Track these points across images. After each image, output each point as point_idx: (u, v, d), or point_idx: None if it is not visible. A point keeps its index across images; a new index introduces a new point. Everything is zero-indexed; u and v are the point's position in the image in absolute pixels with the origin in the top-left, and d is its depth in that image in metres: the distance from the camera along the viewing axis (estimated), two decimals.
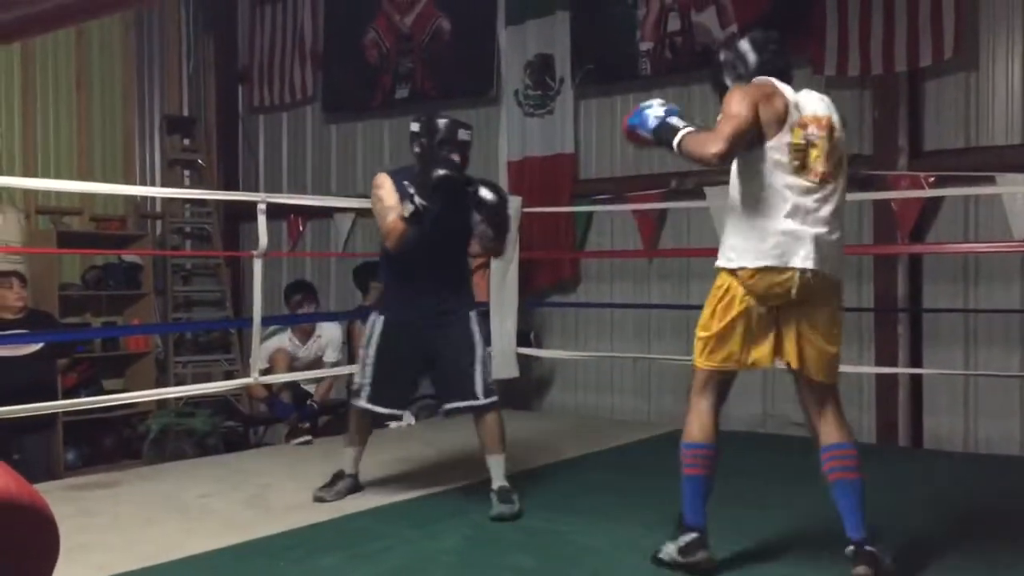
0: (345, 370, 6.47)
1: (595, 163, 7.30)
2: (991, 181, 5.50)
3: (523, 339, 6.91)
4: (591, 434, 5.97)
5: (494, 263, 6.74)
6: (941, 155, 5.84)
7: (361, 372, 4.20)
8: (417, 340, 4.11)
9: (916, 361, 5.93)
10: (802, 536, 3.67)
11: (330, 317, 7.18)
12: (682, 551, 3.18)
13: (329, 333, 6.48)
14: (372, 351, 4.15)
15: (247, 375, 5.70)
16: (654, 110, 3.19)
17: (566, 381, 7.44)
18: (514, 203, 6.83)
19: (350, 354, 6.71)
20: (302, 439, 5.79)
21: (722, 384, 3.26)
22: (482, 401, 4.11)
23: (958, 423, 5.82)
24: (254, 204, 5.32)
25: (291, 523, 3.84)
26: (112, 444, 7.42)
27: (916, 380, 5.92)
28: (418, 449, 5.55)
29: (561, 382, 7.46)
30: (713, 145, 2.94)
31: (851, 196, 5.74)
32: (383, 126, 8.49)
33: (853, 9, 5.88)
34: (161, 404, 6.87)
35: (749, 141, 3.01)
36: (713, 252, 5.89)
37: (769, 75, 3.16)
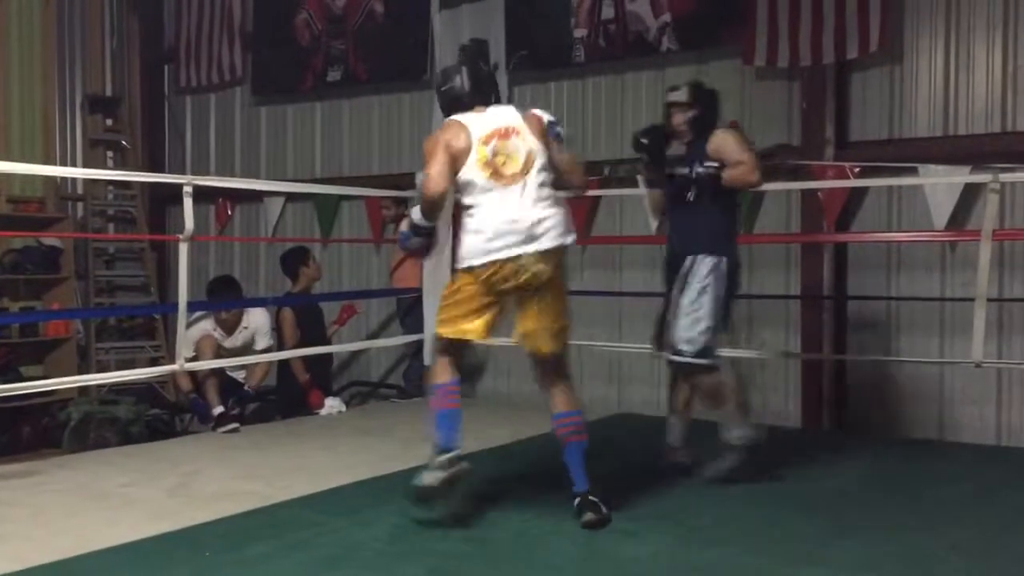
0: (277, 356, 6.38)
1: None
2: (913, 172, 5.64)
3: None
4: (525, 420, 5.95)
5: None
6: (866, 146, 5.96)
7: (708, 327, 4.13)
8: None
9: (840, 347, 6.06)
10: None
11: (258, 302, 7.05)
12: (445, 465, 3.57)
13: (256, 321, 6.36)
14: (715, 298, 4.14)
15: (172, 362, 5.58)
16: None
17: (499, 368, 7.43)
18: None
19: (279, 341, 6.60)
20: (229, 427, 5.68)
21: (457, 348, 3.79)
22: None
23: (878, 407, 5.97)
24: (180, 187, 5.20)
25: (217, 512, 3.77)
26: (31, 433, 7.19)
27: (840, 366, 6.05)
28: (347, 436, 5.50)
29: (494, 368, 7.45)
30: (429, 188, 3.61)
31: (780, 186, 5.93)
32: (315, 109, 8.36)
33: (783, 1, 5.97)
34: (82, 391, 6.68)
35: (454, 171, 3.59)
36: (646, 239, 6.01)
37: (468, 109, 3.71)
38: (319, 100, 8.30)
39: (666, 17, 6.49)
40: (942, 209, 5.60)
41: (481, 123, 3.65)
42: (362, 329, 7.62)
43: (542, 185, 3.61)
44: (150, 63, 9.10)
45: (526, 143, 3.63)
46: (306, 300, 6.76)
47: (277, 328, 6.63)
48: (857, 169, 5.81)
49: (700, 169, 4.16)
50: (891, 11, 5.72)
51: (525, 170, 3.59)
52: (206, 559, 3.25)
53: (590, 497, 3.60)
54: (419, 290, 6.75)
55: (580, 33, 6.86)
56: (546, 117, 3.76)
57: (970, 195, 5.51)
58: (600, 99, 7.00)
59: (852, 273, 6.10)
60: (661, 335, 4.37)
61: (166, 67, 9.15)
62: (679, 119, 4.36)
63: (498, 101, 3.83)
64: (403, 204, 7.09)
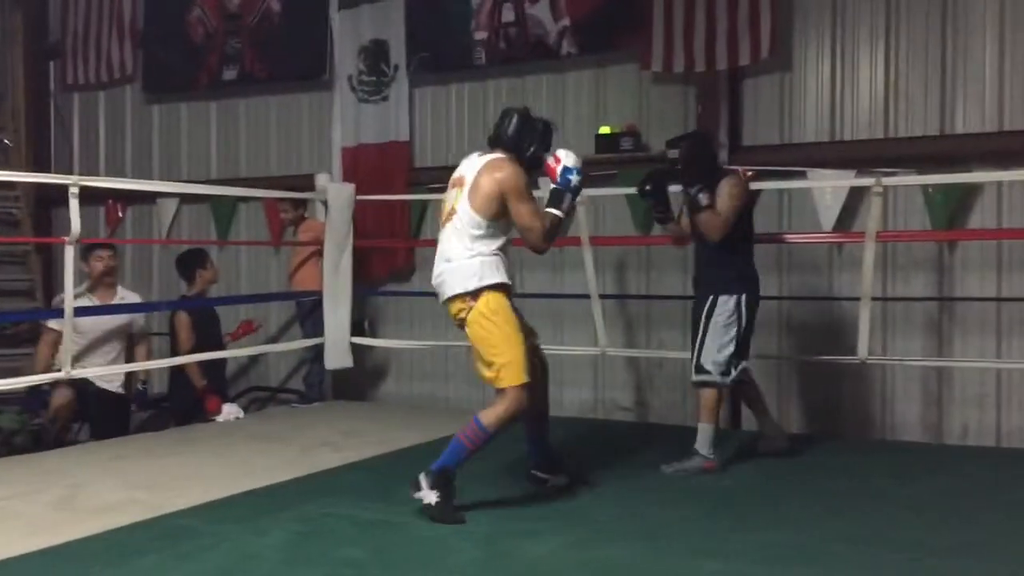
0: (173, 361, 6.20)
1: (431, 151, 7.26)
2: (803, 176, 5.83)
3: (357, 328, 6.81)
4: (425, 423, 5.93)
5: (328, 251, 6.61)
6: (759, 150, 6.13)
7: (726, 351, 4.58)
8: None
9: None
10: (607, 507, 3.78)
11: (151, 308, 6.85)
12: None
13: (130, 296, 6.20)
14: (737, 331, 4.61)
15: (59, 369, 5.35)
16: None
17: (401, 371, 7.38)
18: (347, 191, 6.75)
19: (174, 345, 6.41)
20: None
21: None
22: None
23: (772, 405, 6.12)
24: (66, 188, 5.01)
25: (103, 524, 3.62)
26: None
27: None
28: (245, 443, 5.37)
29: (396, 372, 7.40)
30: None
31: (677, 189, 6.04)
32: (209, 108, 8.16)
33: (678, 8, 6.09)
34: None
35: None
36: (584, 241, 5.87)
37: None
38: (214, 99, 8.10)
39: (565, 21, 6.55)
40: (830, 212, 5.81)
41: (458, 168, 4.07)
42: (261, 333, 7.46)
43: (449, 238, 3.91)
44: (35, 58, 8.73)
45: (455, 196, 3.93)
46: (203, 304, 6.58)
47: (171, 332, 6.44)
48: (750, 172, 5.96)
49: (700, 196, 4.55)
50: (780, 20, 5.90)
51: (443, 223, 3.97)
52: (94, 573, 3.12)
53: (421, 474, 3.74)
54: (319, 293, 6.64)
55: (480, 36, 6.87)
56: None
57: (855, 198, 5.72)
58: (501, 102, 6.99)
59: None
60: None
61: (52, 63, 8.80)
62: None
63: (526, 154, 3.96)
64: (302, 206, 6.97)
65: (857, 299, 5.31)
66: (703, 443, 4.58)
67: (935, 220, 5.60)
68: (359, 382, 7.37)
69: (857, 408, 5.90)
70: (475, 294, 3.82)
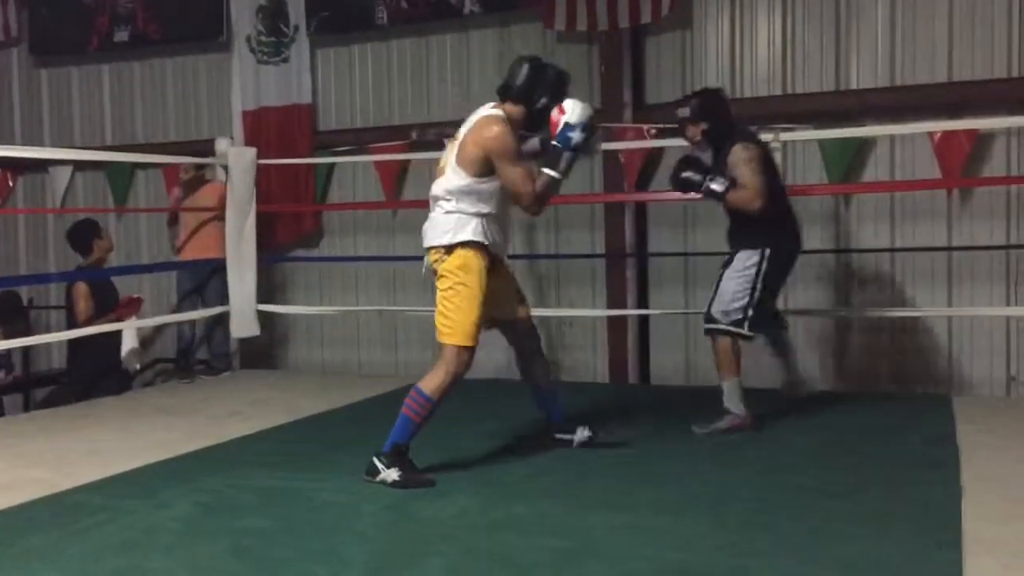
0: (73, 334, 6.00)
1: (335, 114, 7.13)
2: None
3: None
4: (337, 390, 5.89)
5: (230, 217, 6.45)
6: (662, 108, 6.16)
7: (739, 302, 4.40)
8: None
9: (643, 303, 6.30)
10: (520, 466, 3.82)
11: (44, 279, 6.61)
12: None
13: None
14: (751, 287, 4.41)
15: None
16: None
17: (311, 337, 7.29)
18: (248, 155, 6.59)
19: (71, 316, 6.21)
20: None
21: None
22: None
23: (680, 359, 6.26)
24: None
25: None
26: None
27: (643, 320, 6.30)
28: (148, 416, 5.25)
29: (306, 338, 7.31)
30: None
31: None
32: (102, 71, 7.85)
33: None
34: None
35: None
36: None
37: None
38: (107, 62, 7.80)
39: None
40: None
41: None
42: (164, 302, 7.27)
43: (439, 192, 3.81)
44: None
45: (448, 152, 3.85)
46: (103, 274, 6.37)
47: (68, 303, 6.23)
48: (654, 131, 6.02)
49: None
50: None
51: (437, 176, 3.85)
52: None
53: (373, 457, 3.74)
54: (219, 260, 6.49)
55: None
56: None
57: None
58: (405, 62, 6.93)
59: (652, 231, 6.34)
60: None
61: None
62: (692, 132, 4.54)
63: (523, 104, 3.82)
64: (202, 170, 6.77)
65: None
66: (730, 399, 4.45)
67: (831, 174, 5.74)
68: (268, 351, 7.27)
69: (762, 360, 6.02)
70: (449, 248, 3.76)
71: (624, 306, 6.19)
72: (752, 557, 2.86)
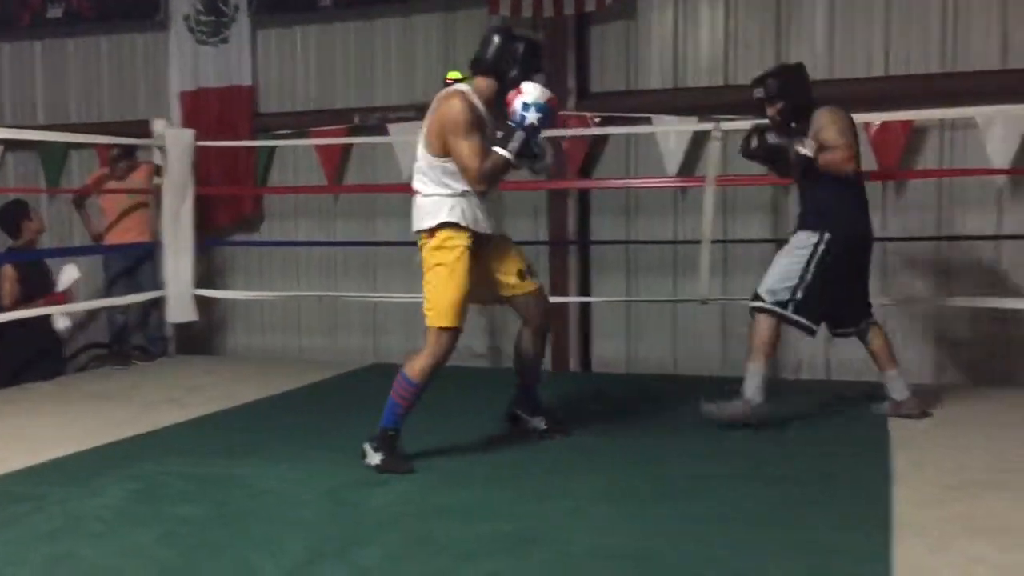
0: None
1: (276, 96, 7.01)
2: (648, 122, 5.93)
3: None
4: (274, 377, 5.82)
5: (166, 200, 6.32)
6: (606, 97, 6.20)
7: (787, 283, 4.20)
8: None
9: (585, 290, 6.33)
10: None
11: None
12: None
13: None
14: (804, 269, 4.19)
15: None
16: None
17: (251, 323, 7.19)
18: (186, 137, 6.46)
19: None
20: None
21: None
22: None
23: (621, 347, 6.31)
24: None
25: None
26: None
27: (585, 308, 6.33)
28: (80, 402, 5.13)
29: (245, 324, 7.20)
30: None
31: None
32: (34, 48, 7.62)
33: None
34: None
35: None
36: (400, 188, 5.93)
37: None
38: (38, 39, 7.56)
39: None
40: (673, 157, 5.94)
41: None
42: (98, 286, 7.09)
43: (416, 176, 3.80)
44: None
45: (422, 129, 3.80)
46: (34, 255, 6.20)
47: None
48: (597, 119, 6.04)
49: (802, 150, 4.12)
50: None
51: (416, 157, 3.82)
52: None
53: (365, 442, 3.74)
54: (151, 243, 6.35)
55: None
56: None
57: (699, 144, 5.86)
58: (349, 46, 6.84)
59: (595, 218, 6.36)
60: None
61: None
62: (771, 111, 4.35)
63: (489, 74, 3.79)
64: (133, 152, 6.59)
65: (698, 242, 5.48)
66: (749, 387, 4.23)
67: None
68: (206, 336, 7.15)
69: (698, 346, 6.12)
70: (431, 232, 3.73)
71: (566, 293, 6.20)
72: (690, 543, 2.88)
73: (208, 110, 6.92)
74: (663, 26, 6.12)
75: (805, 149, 4.09)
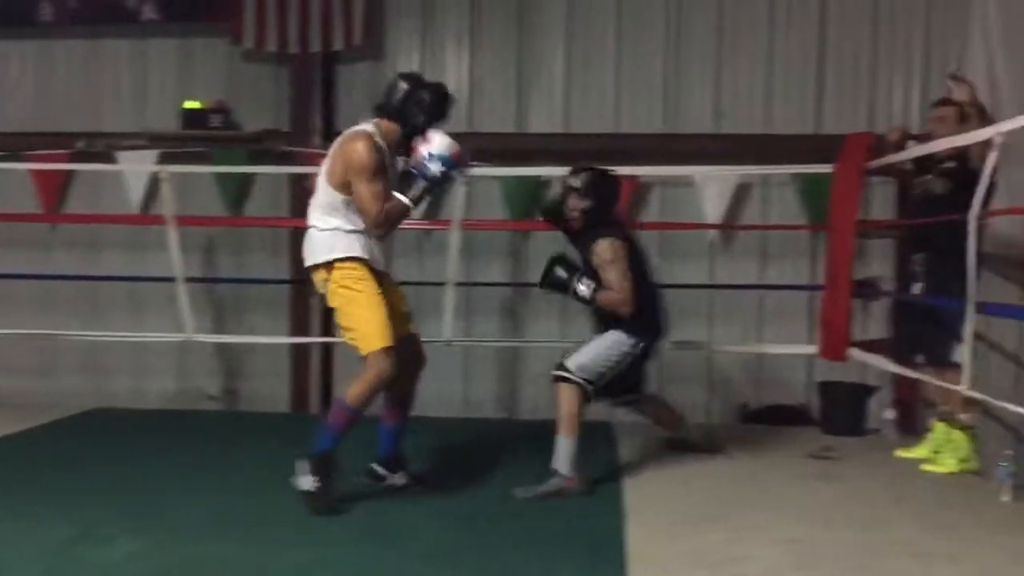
0: None
1: None
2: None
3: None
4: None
5: None
6: None
7: (604, 372, 4.21)
8: None
9: (328, 330, 6.22)
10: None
11: None
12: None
13: None
14: (623, 366, 4.28)
15: None
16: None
17: None
18: None
19: None
20: None
21: None
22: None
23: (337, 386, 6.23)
24: None
25: None
26: None
27: (328, 348, 6.22)
28: None
29: None
30: None
31: (269, 170, 5.96)
32: None
33: None
34: None
35: None
36: (127, 219, 5.52)
37: None
38: None
39: None
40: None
41: None
42: None
43: (313, 210, 3.82)
44: None
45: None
46: None
47: None
48: None
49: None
50: (373, 7, 6.00)
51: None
52: None
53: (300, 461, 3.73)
54: None
55: None
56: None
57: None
58: (74, 66, 6.38)
59: None
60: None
61: None
62: (573, 204, 4.28)
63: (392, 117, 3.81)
64: None
65: (443, 283, 5.56)
66: (561, 459, 4.06)
67: (511, 210, 6.04)
68: None
69: (439, 387, 6.17)
70: (329, 266, 3.73)
71: (308, 333, 6.08)
72: None
73: None
74: (410, 69, 6.20)
75: (583, 288, 4.16)
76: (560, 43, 6.14)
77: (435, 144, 3.65)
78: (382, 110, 3.83)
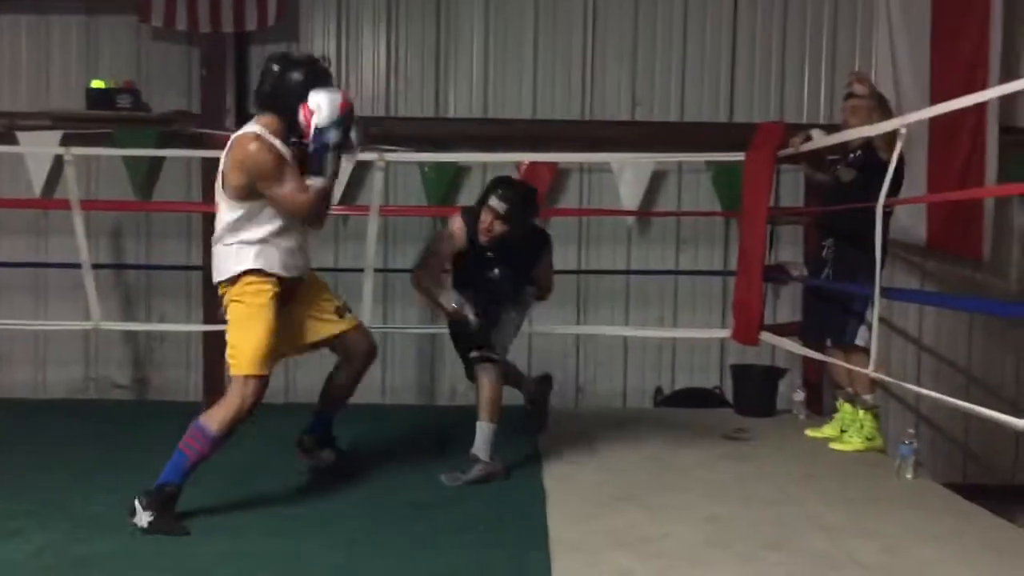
0: None
1: None
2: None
3: None
4: None
5: None
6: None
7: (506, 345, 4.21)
8: None
9: None
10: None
11: None
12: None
13: None
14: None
15: None
16: None
17: None
18: None
19: None
20: None
21: None
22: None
23: (279, 375, 6.13)
24: None
25: None
26: None
27: None
28: None
29: None
30: None
31: (180, 153, 5.80)
32: None
33: None
34: None
35: None
36: (28, 203, 5.33)
37: None
38: None
39: None
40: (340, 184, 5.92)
41: None
42: None
43: (217, 221, 3.54)
44: None
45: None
46: None
47: None
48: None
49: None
50: None
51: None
52: None
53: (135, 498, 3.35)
54: None
55: None
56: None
57: (361, 172, 5.88)
58: None
59: None
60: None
61: None
62: (489, 223, 4.09)
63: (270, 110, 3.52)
64: None
65: (361, 270, 5.51)
66: (483, 447, 4.05)
67: (431, 196, 6.01)
68: None
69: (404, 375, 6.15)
70: (232, 280, 3.48)
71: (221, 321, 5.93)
72: (363, 572, 2.88)
73: None
74: (326, 52, 6.08)
75: (454, 305, 4.06)
76: (480, 27, 6.13)
77: (319, 113, 3.35)
78: (258, 101, 3.57)
